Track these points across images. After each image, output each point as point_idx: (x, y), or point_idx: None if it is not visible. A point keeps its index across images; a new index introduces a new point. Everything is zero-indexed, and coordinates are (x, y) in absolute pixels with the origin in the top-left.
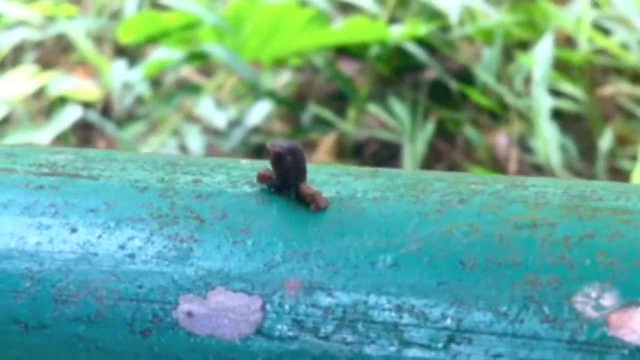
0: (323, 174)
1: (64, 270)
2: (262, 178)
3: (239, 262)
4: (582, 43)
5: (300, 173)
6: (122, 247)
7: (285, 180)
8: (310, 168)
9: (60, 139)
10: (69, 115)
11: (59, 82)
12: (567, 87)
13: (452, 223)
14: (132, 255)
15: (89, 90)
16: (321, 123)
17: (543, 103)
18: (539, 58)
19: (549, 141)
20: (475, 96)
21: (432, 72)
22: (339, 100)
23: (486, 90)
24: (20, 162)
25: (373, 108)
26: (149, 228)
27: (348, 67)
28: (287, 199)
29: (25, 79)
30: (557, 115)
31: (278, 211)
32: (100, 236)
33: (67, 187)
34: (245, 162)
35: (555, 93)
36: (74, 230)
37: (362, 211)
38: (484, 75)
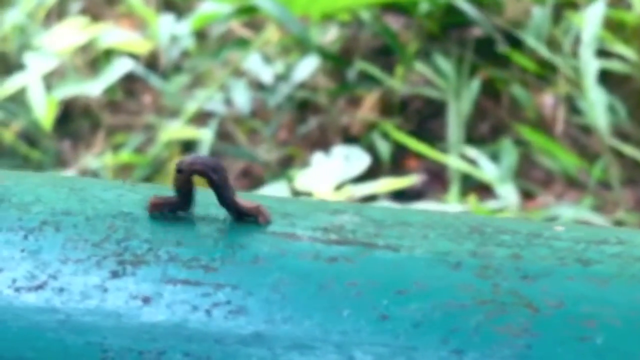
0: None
1: None
2: (156, 207)
3: None
4: (636, 3)
5: (231, 187)
6: (444, 341)
7: (188, 200)
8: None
9: (108, 92)
10: (119, 68)
11: (109, 35)
12: (619, 47)
13: None
14: (458, 352)
15: (139, 43)
16: (366, 79)
17: (591, 65)
18: (590, 18)
19: (596, 104)
20: (521, 60)
21: (479, 30)
22: (384, 56)
23: (534, 49)
24: (300, 224)
25: (419, 65)
26: (474, 318)
27: (394, 23)
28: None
29: (74, 31)
30: (606, 75)
31: (623, 294)
32: (417, 326)
33: (364, 261)
34: (560, 229)
35: (605, 53)
36: (384, 318)
37: None
38: (532, 40)
